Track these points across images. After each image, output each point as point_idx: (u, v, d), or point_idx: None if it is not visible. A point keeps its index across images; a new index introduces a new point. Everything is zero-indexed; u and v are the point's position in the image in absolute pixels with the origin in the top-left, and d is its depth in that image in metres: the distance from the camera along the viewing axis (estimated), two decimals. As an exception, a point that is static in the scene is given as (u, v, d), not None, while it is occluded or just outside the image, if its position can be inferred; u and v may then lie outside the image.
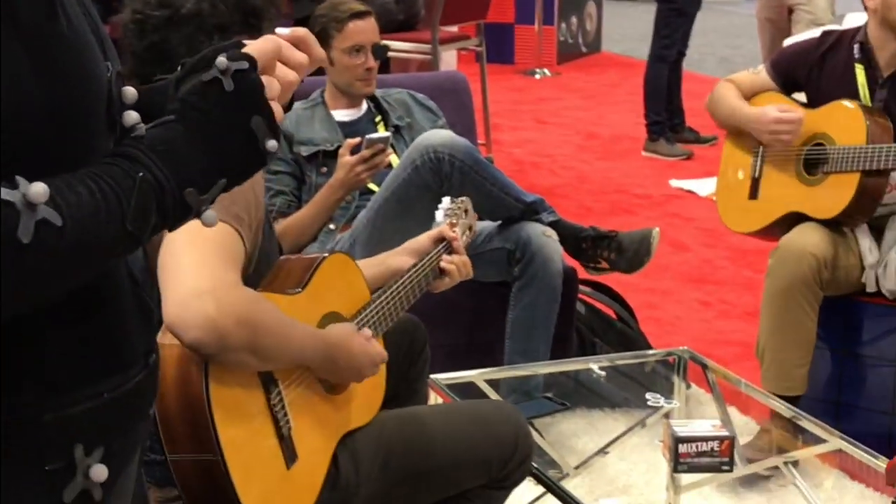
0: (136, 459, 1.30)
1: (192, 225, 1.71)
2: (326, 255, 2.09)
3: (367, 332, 2.07)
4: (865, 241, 3.30)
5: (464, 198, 2.58)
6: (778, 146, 3.38)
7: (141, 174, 1.11)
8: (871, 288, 3.31)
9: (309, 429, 1.95)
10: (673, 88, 6.86)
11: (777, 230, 3.35)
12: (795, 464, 2.99)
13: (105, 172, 1.09)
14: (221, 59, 1.17)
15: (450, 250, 2.40)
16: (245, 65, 1.18)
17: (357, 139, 3.14)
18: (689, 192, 6.10)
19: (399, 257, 2.37)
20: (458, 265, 2.38)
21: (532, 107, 8.15)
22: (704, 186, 6.01)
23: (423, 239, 2.40)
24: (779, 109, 3.35)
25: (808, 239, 3.23)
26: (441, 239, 2.39)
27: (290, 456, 1.89)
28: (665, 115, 6.84)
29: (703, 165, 6.37)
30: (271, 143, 1.20)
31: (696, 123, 7.00)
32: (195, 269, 1.76)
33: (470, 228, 2.54)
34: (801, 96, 3.54)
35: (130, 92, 1.19)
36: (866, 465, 2.55)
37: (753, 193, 3.50)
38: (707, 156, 6.55)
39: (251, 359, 1.80)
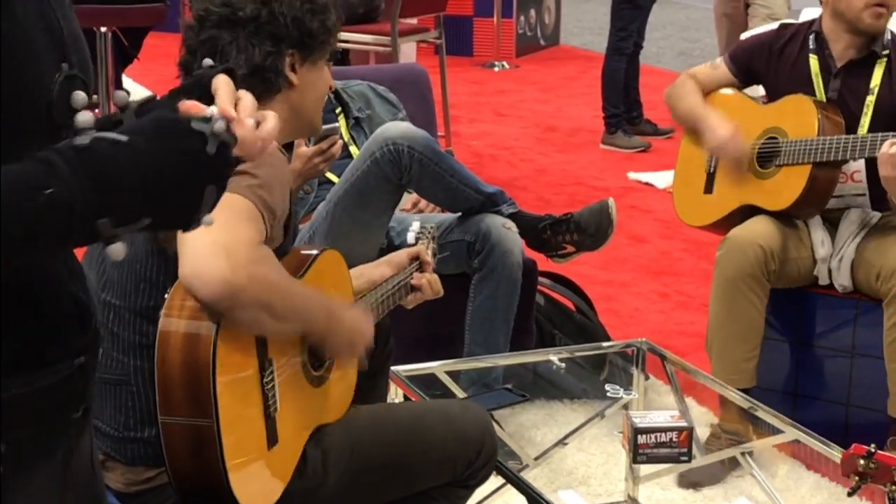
0: (58, 456, 1.27)
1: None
2: (322, 249, 2.14)
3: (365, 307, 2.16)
4: (818, 234, 3.32)
5: (433, 224, 2.67)
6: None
7: (51, 190, 1.02)
8: (823, 281, 3.34)
9: (290, 415, 1.98)
10: (630, 81, 6.89)
11: (731, 224, 3.38)
12: (752, 454, 3.02)
13: (10, 174, 1.02)
14: (220, 125, 1.14)
15: (421, 269, 2.48)
16: (231, 140, 1.17)
17: None
18: (647, 184, 6.14)
19: (378, 268, 2.44)
20: (429, 281, 2.47)
21: (491, 99, 8.16)
22: (662, 179, 6.04)
23: (401, 254, 2.50)
24: (737, 141, 3.36)
25: (755, 230, 3.25)
26: (416, 257, 2.49)
27: (272, 437, 1.92)
28: (623, 108, 6.87)
29: (661, 158, 6.40)
30: (207, 219, 1.17)
31: (653, 116, 7.03)
32: (215, 227, 1.78)
33: (434, 254, 2.60)
34: (758, 89, 3.57)
35: (80, 96, 1.15)
36: (822, 455, 2.58)
37: (708, 188, 3.52)
38: (665, 148, 6.58)
39: (264, 316, 1.83)
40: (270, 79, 2.13)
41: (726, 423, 3.19)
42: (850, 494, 1.81)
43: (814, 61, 3.34)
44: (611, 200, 3.45)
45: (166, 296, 1.84)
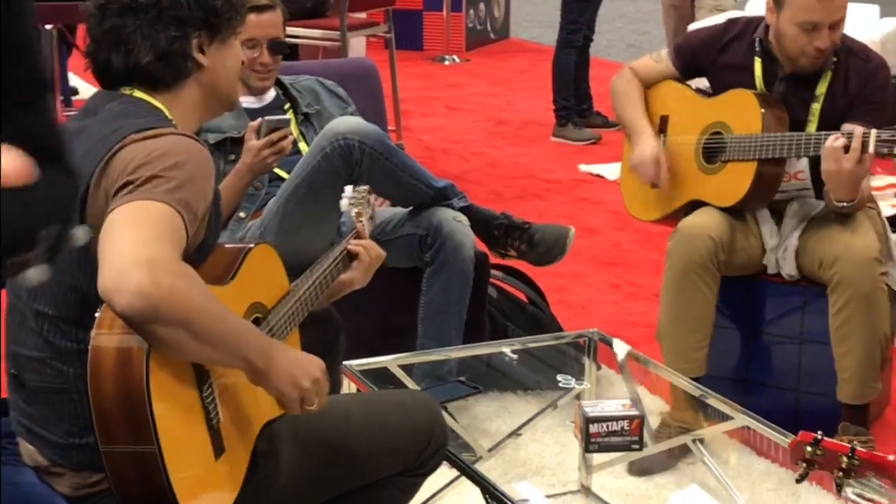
0: None
1: (135, 206, 1.65)
2: (252, 245, 2.11)
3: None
4: (766, 226, 3.36)
5: (365, 186, 2.63)
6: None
7: None
8: (772, 270, 3.38)
9: (234, 420, 1.96)
10: (580, 74, 6.92)
11: (679, 217, 3.41)
12: (703, 441, 3.05)
13: None
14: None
15: (356, 237, 2.46)
16: None
17: (258, 121, 3.12)
18: (598, 176, 6.17)
19: None
20: (366, 247, 2.43)
21: (442, 93, 8.16)
22: (613, 170, 6.07)
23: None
24: (655, 167, 3.41)
25: (705, 221, 3.29)
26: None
27: (218, 447, 1.91)
28: (573, 101, 6.90)
29: (612, 150, 6.42)
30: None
31: (603, 108, 7.06)
32: (134, 242, 1.78)
33: (371, 218, 2.58)
34: (701, 81, 3.59)
35: None
36: (772, 441, 2.61)
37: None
38: (615, 140, 6.59)
39: (184, 335, 1.78)
40: (178, 63, 2.08)
41: (677, 411, 3.23)
42: (798, 481, 1.83)
43: (759, 64, 3.35)
44: (572, 232, 3.46)
45: (97, 314, 1.81)
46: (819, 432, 1.77)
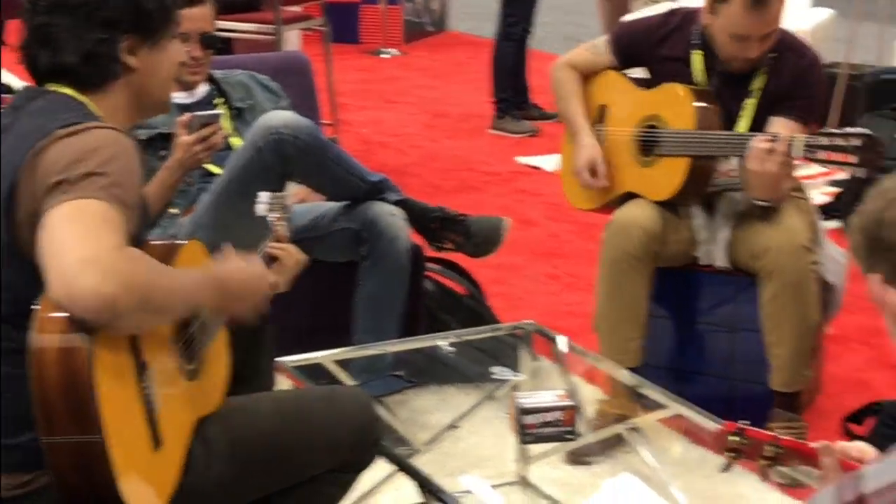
0: None
1: (72, 205, 1.61)
2: (184, 242, 2.11)
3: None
4: (698, 219, 3.39)
5: (282, 193, 2.62)
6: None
7: None
8: (703, 261, 3.41)
9: (171, 413, 1.96)
10: (519, 66, 6.93)
11: (615, 206, 3.43)
12: (638, 430, 3.07)
13: None
14: None
15: (276, 241, 2.43)
16: None
17: (188, 116, 3.09)
18: (536, 168, 6.19)
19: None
20: (287, 251, 2.41)
21: (379, 86, 8.14)
22: (550, 162, 6.09)
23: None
24: (590, 169, 3.45)
25: (638, 213, 3.31)
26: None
27: (156, 439, 1.91)
28: (511, 93, 6.91)
29: (549, 141, 6.45)
30: None
31: (541, 100, 7.08)
32: (76, 242, 1.77)
33: (289, 221, 2.56)
34: (639, 71, 3.61)
35: None
36: (706, 429, 2.63)
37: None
38: (553, 132, 6.62)
39: (147, 317, 1.83)
40: (106, 65, 2.06)
41: (613, 400, 3.25)
42: (723, 471, 1.85)
43: (698, 56, 3.37)
44: (507, 221, 3.48)
45: (33, 307, 1.79)
46: (743, 421, 1.78)
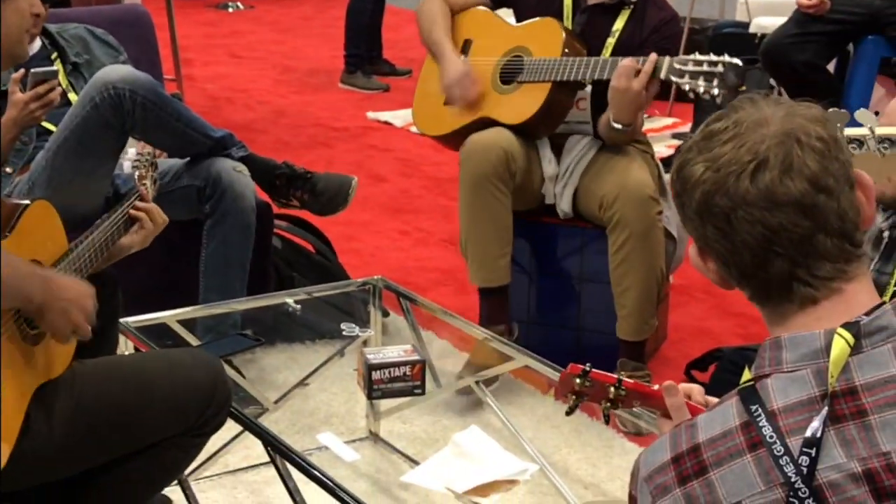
0: None
1: None
2: (29, 202, 2.04)
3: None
4: (546, 153, 3.43)
5: (150, 150, 2.55)
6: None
7: None
8: (549, 200, 3.45)
9: (10, 379, 1.91)
10: (376, 21, 6.87)
11: (463, 137, 3.42)
12: (489, 382, 3.10)
13: None
14: None
15: (141, 199, 2.38)
16: None
17: (21, 72, 2.97)
18: (386, 123, 6.16)
19: None
20: (149, 212, 2.36)
21: (226, 41, 7.99)
22: (401, 117, 6.08)
23: None
24: (461, 83, 3.44)
25: (495, 135, 3.34)
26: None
27: None
28: (364, 48, 6.85)
29: (400, 97, 6.43)
30: None
31: (392, 56, 7.05)
32: None
33: (155, 181, 2.50)
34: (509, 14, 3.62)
35: None
36: (553, 379, 2.66)
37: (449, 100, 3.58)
38: (403, 87, 6.61)
39: None
40: None
41: (481, 351, 3.26)
42: (568, 413, 1.87)
43: None
44: (355, 181, 3.45)
45: None
46: (587, 364, 1.80)
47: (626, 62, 3.15)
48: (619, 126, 3.24)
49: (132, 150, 2.47)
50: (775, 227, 1.30)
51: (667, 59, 3.13)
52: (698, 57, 3.09)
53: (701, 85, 3.06)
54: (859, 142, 2.03)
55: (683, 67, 3.10)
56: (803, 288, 1.32)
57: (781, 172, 1.29)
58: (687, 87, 3.09)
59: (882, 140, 2.01)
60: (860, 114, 2.05)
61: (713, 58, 3.06)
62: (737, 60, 3.07)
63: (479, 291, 3.42)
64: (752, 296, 1.37)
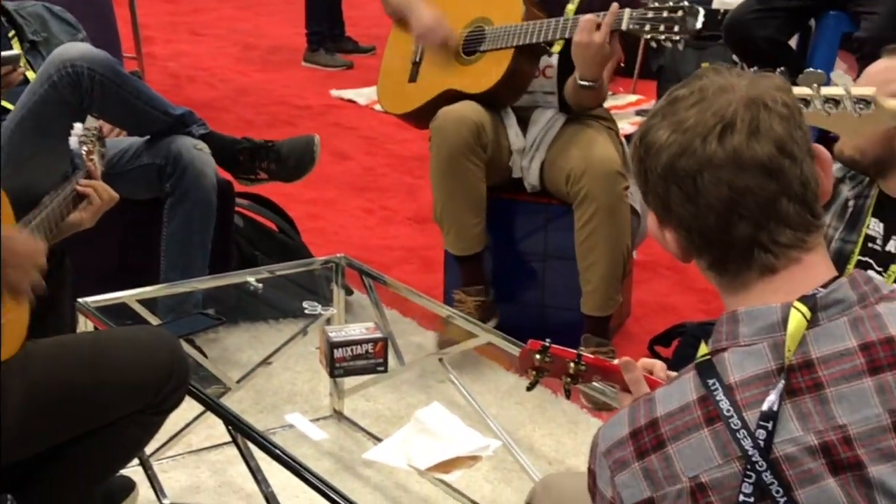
0: None
1: None
2: None
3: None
4: (512, 127, 3.43)
5: (96, 125, 2.51)
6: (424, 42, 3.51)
7: None
8: (516, 173, 3.45)
9: None
10: (336, -2, 6.83)
11: (433, 112, 3.42)
12: (452, 360, 3.09)
13: None
14: None
15: (87, 177, 2.34)
16: None
17: None
18: (350, 101, 6.13)
19: None
20: (96, 188, 2.32)
21: (187, 19, 7.91)
22: (365, 95, 6.05)
23: None
24: (441, 28, 3.45)
25: (463, 108, 3.35)
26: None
27: None
28: (326, 26, 6.81)
29: (363, 74, 6.39)
30: None
31: (356, 33, 7.01)
32: None
33: (102, 156, 2.47)
34: None
35: None
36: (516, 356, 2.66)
37: (413, 77, 3.57)
38: (367, 65, 6.57)
39: None
40: None
41: (451, 327, 3.26)
42: (528, 389, 1.87)
43: None
44: (317, 137, 3.44)
45: None
46: (547, 340, 1.80)
47: (587, 17, 3.15)
48: (585, 83, 3.23)
49: (79, 125, 2.43)
50: (741, 189, 1.30)
51: (627, 10, 3.12)
52: (657, 4, 3.08)
53: (662, 34, 3.05)
54: (836, 101, 2.03)
55: (644, 17, 3.09)
56: (763, 255, 1.32)
57: (749, 135, 1.30)
58: (649, 37, 3.08)
59: (858, 100, 2.02)
60: (836, 75, 2.05)
61: (672, 3, 3.04)
62: (686, 3, 3.05)
63: (456, 258, 3.45)
64: (711, 265, 1.36)
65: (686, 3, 3.04)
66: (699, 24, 3.01)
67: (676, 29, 3.03)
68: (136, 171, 3.21)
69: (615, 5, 3.13)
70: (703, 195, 1.31)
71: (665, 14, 3.04)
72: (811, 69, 2.05)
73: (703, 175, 1.30)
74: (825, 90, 2.02)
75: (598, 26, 3.13)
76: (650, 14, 3.07)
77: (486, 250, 3.47)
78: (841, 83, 2.02)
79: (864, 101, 2.01)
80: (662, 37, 3.05)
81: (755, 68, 2.37)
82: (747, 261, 1.33)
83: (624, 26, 3.12)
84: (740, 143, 1.30)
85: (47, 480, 2.18)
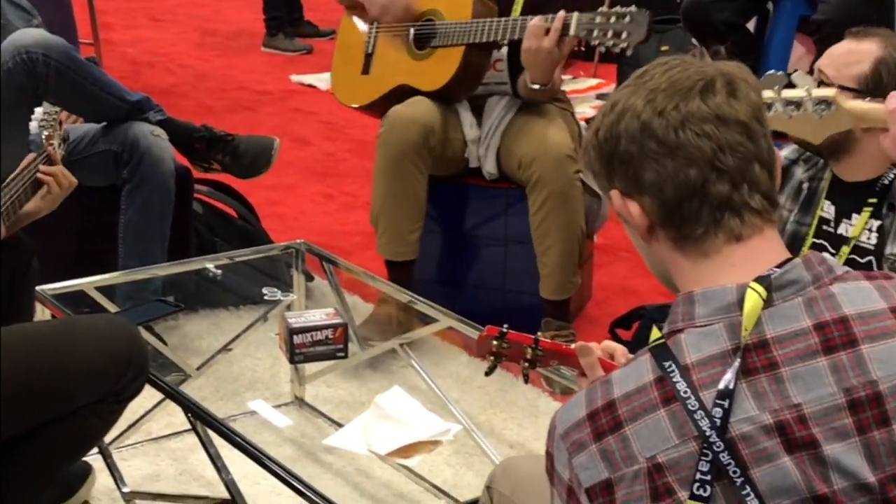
0: None
1: None
2: None
3: None
4: (467, 118, 3.43)
5: (57, 108, 2.48)
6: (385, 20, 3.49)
7: None
8: (473, 163, 3.46)
9: None
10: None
11: (387, 106, 3.42)
12: (413, 345, 3.09)
13: None
14: None
15: (47, 162, 2.31)
16: None
17: None
18: (310, 86, 6.11)
19: None
20: (56, 175, 2.30)
21: (146, 4, 7.85)
22: (325, 80, 6.02)
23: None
24: (387, 2, 3.43)
25: (414, 109, 3.34)
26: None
27: None
28: (284, 10, 6.78)
29: (323, 59, 6.35)
30: None
31: (315, 18, 6.98)
32: None
33: (64, 140, 2.44)
34: None
35: None
36: (477, 340, 2.66)
37: (366, 69, 3.55)
38: (327, 49, 6.53)
39: None
40: None
41: (380, 320, 3.26)
42: (487, 374, 1.87)
43: None
44: (277, 142, 3.42)
45: None
46: (504, 326, 1.80)
47: (535, 22, 3.13)
48: (536, 86, 3.24)
49: (39, 110, 2.40)
50: (723, 143, 1.32)
51: (575, 14, 3.10)
52: (605, 10, 3.08)
53: (609, 40, 3.04)
54: (797, 104, 2.04)
55: (592, 22, 3.08)
56: (732, 219, 1.33)
57: (728, 95, 1.33)
58: (597, 43, 3.08)
59: (819, 102, 2.03)
60: (797, 76, 2.07)
61: (620, 9, 3.04)
62: (635, 9, 3.03)
63: (386, 263, 3.43)
64: (675, 235, 1.35)
65: (633, 9, 3.03)
66: (644, 34, 3.00)
67: (624, 36, 3.02)
68: (94, 157, 3.19)
69: (562, 12, 3.11)
70: (684, 147, 1.32)
71: (613, 20, 3.03)
72: (772, 71, 2.06)
73: (686, 127, 1.32)
74: (786, 93, 2.04)
75: (547, 31, 3.12)
76: (598, 20, 3.06)
77: (433, 249, 3.45)
78: (802, 84, 2.03)
79: (826, 103, 2.03)
80: (610, 42, 3.04)
81: (715, 48, 2.38)
82: (716, 223, 1.33)
83: (572, 32, 3.10)
84: (721, 101, 1.33)
85: (4, 470, 2.16)
